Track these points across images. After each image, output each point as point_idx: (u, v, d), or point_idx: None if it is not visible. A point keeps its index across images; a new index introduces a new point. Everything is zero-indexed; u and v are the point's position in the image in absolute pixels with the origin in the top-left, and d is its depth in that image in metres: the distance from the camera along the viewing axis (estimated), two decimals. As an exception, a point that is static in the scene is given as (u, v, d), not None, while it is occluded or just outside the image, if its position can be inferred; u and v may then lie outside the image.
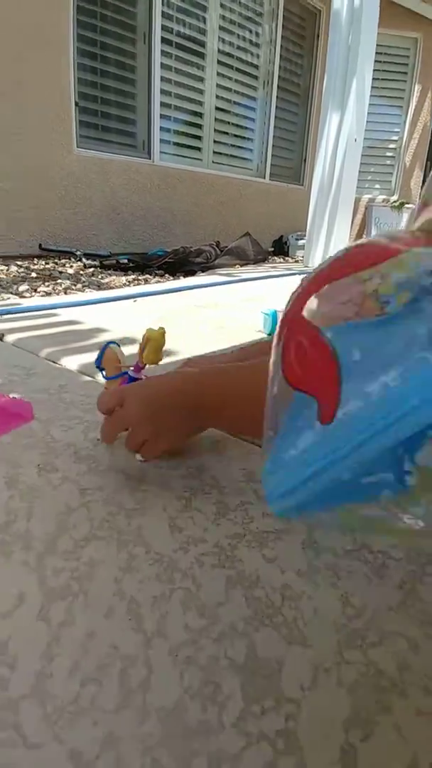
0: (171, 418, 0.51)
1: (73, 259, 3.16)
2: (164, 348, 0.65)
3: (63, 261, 3.09)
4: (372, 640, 0.37)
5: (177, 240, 4.00)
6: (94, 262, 2.95)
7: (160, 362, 0.66)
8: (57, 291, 1.97)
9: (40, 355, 1.03)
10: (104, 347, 0.69)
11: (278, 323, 0.32)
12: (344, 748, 0.31)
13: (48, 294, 1.90)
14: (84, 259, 3.14)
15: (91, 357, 0.78)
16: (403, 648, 0.37)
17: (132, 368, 0.66)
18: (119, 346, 0.70)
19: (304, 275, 0.32)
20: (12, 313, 1.45)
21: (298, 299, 0.30)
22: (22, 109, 2.93)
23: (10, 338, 1.13)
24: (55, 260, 3.09)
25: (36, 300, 1.73)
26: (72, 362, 0.99)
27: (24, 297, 1.83)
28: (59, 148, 3.16)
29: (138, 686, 0.34)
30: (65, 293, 1.94)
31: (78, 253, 3.24)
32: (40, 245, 3.20)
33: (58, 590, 0.41)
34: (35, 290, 1.98)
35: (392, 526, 0.28)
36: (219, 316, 1.60)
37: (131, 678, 0.35)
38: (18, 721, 0.32)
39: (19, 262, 2.88)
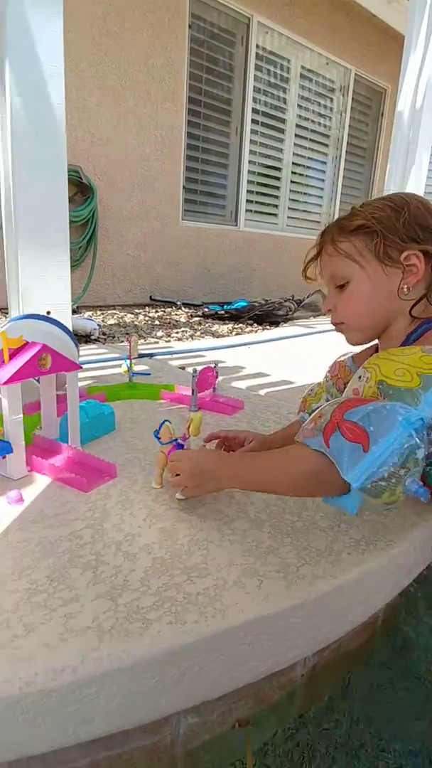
0: (202, 478, 0.82)
1: (174, 308, 3.92)
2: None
3: (168, 309, 3.85)
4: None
5: (255, 292, 4.72)
6: (197, 312, 3.67)
7: (197, 435, 0.97)
8: (184, 337, 2.65)
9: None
10: (162, 423, 0.90)
11: (329, 422, 0.68)
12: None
13: (180, 339, 2.59)
14: (183, 308, 3.89)
15: (251, 383, 1.40)
16: None
17: (180, 438, 0.91)
18: (170, 422, 0.90)
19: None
20: (171, 354, 2.14)
21: (335, 412, 0.68)
22: (148, 196, 3.79)
23: (190, 369, 1.80)
24: (163, 309, 3.86)
25: (182, 344, 2.41)
26: (243, 385, 1.63)
27: (166, 341, 2.53)
28: (170, 222, 3.99)
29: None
30: (191, 339, 2.62)
31: (178, 303, 4.00)
32: (150, 297, 3.99)
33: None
34: (169, 335, 2.68)
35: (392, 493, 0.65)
36: (314, 358, 2.22)
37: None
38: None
39: (137, 311, 3.66)
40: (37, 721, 0.52)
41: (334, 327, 0.86)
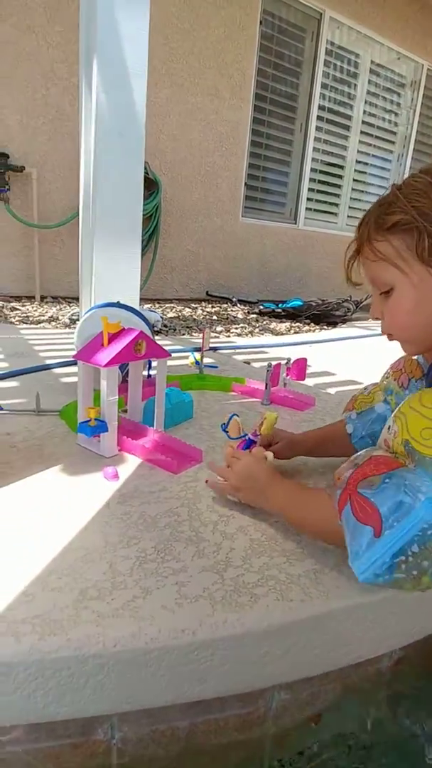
0: (250, 492, 0.80)
1: (230, 304, 3.95)
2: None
3: (224, 305, 3.89)
4: None
5: (311, 292, 4.68)
6: (253, 309, 3.69)
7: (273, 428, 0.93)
8: (244, 333, 2.68)
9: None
10: (230, 417, 0.91)
11: (344, 489, 0.59)
12: None
13: (239, 335, 2.62)
14: (239, 305, 3.92)
15: (318, 381, 1.40)
16: None
17: (251, 434, 0.91)
18: (239, 416, 0.92)
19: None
20: (235, 349, 2.17)
21: (353, 476, 0.58)
22: (209, 191, 3.84)
23: (255, 364, 1.82)
24: (219, 304, 3.90)
25: (243, 340, 2.44)
26: (310, 382, 1.64)
27: (227, 335, 2.56)
28: (230, 218, 4.02)
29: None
30: (251, 335, 2.65)
31: (234, 299, 4.03)
32: (207, 292, 4.05)
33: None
34: (228, 331, 2.71)
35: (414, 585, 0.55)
36: (376, 360, 2.19)
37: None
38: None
39: (193, 305, 3.72)
40: (158, 675, 0.56)
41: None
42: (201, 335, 1.59)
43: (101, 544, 0.71)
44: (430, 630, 0.75)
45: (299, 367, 1.47)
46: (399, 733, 0.76)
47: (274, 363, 1.43)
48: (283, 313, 3.46)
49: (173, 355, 2.02)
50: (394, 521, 0.53)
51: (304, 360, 1.51)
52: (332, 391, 1.63)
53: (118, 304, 1.44)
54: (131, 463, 0.99)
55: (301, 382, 1.71)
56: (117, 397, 0.99)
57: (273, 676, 0.62)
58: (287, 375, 1.52)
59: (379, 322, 0.72)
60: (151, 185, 3.51)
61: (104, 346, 0.99)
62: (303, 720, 0.71)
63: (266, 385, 1.42)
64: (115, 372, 0.98)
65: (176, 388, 1.27)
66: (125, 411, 1.19)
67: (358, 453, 0.64)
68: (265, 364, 1.45)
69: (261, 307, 3.72)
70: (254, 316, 3.43)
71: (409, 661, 0.78)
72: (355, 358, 2.21)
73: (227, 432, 0.91)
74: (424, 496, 0.52)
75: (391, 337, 0.72)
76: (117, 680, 0.55)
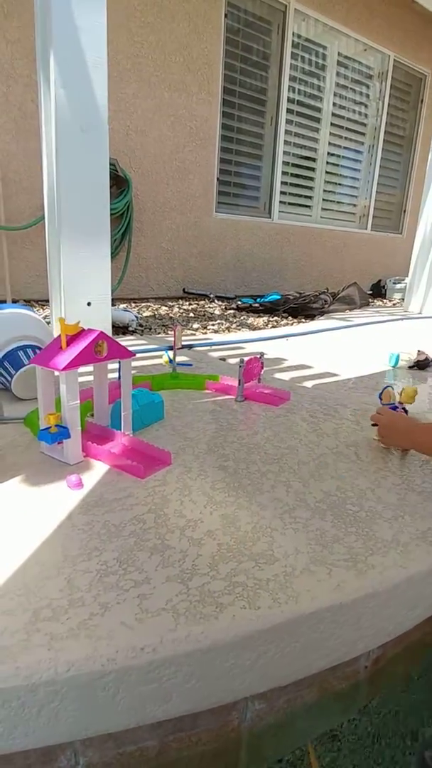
0: (394, 435, 1.07)
1: (207, 300, 3.91)
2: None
3: (201, 302, 3.85)
4: None
5: (288, 285, 4.66)
6: (231, 305, 3.66)
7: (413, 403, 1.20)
8: (221, 329, 2.65)
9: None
10: (384, 387, 1.19)
11: None
12: None
13: (216, 331, 2.58)
14: (216, 301, 3.88)
15: (295, 374, 1.37)
16: None
17: (398, 403, 1.17)
18: (393, 388, 1.19)
19: None
20: (211, 345, 2.13)
21: None
22: (181, 188, 3.79)
23: (231, 360, 1.79)
24: (196, 301, 3.85)
25: (220, 336, 2.41)
26: (286, 376, 1.61)
27: (203, 332, 2.52)
28: (204, 214, 3.97)
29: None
30: (228, 331, 2.61)
31: (211, 295, 3.99)
32: (183, 289, 4.00)
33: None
34: (205, 327, 2.67)
35: None
36: (353, 352, 2.17)
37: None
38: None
39: (170, 303, 3.67)
40: (117, 698, 0.52)
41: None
42: (173, 334, 1.55)
43: (60, 558, 0.67)
44: (406, 627, 0.72)
45: (249, 368, 1.41)
46: (379, 733, 0.74)
47: (246, 358, 1.39)
48: (260, 308, 3.44)
49: (147, 354, 1.98)
50: None
51: (254, 359, 1.44)
52: (309, 384, 1.61)
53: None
54: (97, 469, 0.95)
55: (277, 376, 1.68)
56: (78, 401, 0.95)
57: (243, 689, 0.59)
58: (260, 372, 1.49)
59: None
60: (121, 183, 3.44)
61: (63, 349, 0.95)
62: (280, 728, 0.69)
63: (239, 381, 1.39)
64: (74, 375, 0.93)
65: (145, 389, 1.22)
66: (92, 415, 1.15)
67: None
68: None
69: (239, 302, 3.69)
70: (232, 311, 3.40)
71: (388, 658, 0.76)
72: (331, 350, 2.19)
73: (381, 399, 1.18)
74: None
75: None
76: (73, 707, 0.51)
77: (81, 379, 1.43)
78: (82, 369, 0.95)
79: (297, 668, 0.63)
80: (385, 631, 0.70)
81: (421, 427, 1.02)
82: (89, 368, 1.07)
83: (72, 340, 0.97)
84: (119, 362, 1.07)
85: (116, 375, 1.33)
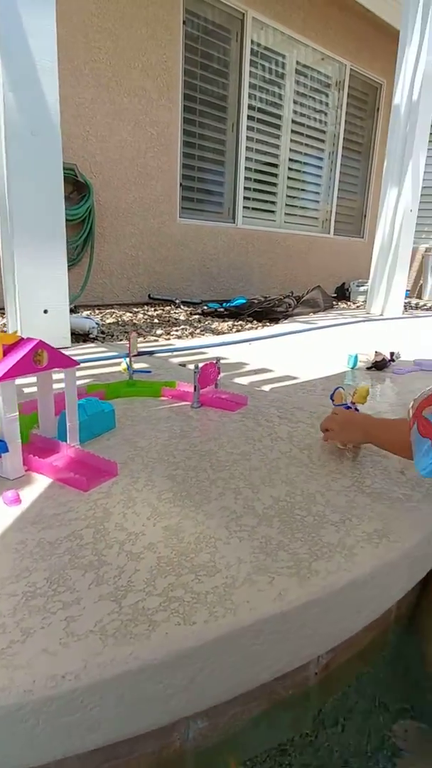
0: (350, 432, 1.08)
1: (173, 306, 3.89)
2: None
3: (167, 308, 3.82)
4: None
5: (254, 289, 4.68)
6: (196, 310, 3.64)
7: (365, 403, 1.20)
8: (184, 335, 2.62)
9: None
10: (335, 389, 1.19)
11: (412, 409, 0.85)
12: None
13: (180, 337, 2.56)
14: (182, 306, 3.86)
15: (254, 379, 1.36)
16: None
17: (350, 403, 1.17)
18: (344, 389, 1.19)
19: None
20: (173, 351, 2.11)
21: (421, 403, 0.83)
22: (144, 194, 3.76)
23: (191, 366, 1.77)
24: (162, 307, 3.82)
25: (183, 342, 2.38)
26: (245, 381, 1.60)
27: (166, 338, 2.49)
28: (167, 219, 3.95)
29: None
30: (192, 336, 2.59)
31: (177, 301, 3.96)
32: (149, 295, 3.96)
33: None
34: (169, 333, 2.64)
35: None
36: (315, 354, 2.18)
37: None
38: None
39: (135, 309, 3.63)
40: (36, 730, 0.49)
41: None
42: (128, 341, 1.51)
43: (-14, 581, 0.63)
44: (354, 630, 0.71)
45: (205, 374, 1.40)
46: (335, 740, 0.72)
47: (201, 364, 1.37)
48: (225, 313, 3.43)
49: (107, 362, 1.94)
50: None
51: (210, 365, 1.43)
52: (267, 388, 1.60)
53: None
54: (39, 483, 0.91)
55: (236, 381, 1.66)
56: (17, 413, 0.90)
57: (180, 709, 0.56)
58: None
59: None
60: (81, 188, 3.39)
61: None
62: (229, 744, 0.66)
63: (195, 387, 1.37)
64: (11, 386, 0.89)
65: (95, 398, 1.19)
66: (38, 427, 1.10)
67: (423, 390, 0.85)
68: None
69: (204, 307, 3.67)
70: (197, 317, 3.38)
71: (339, 663, 0.75)
72: (293, 353, 2.20)
73: (333, 400, 1.18)
74: None
75: None
76: (-12, 744, 0.47)
77: (29, 390, 1.40)
78: (29, 380, 0.91)
79: (239, 682, 0.61)
80: (332, 637, 0.69)
81: (378, 420, 1.07)
82: (35, 379, 1.03)
83: (9, 349, 0.93)
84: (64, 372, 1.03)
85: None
